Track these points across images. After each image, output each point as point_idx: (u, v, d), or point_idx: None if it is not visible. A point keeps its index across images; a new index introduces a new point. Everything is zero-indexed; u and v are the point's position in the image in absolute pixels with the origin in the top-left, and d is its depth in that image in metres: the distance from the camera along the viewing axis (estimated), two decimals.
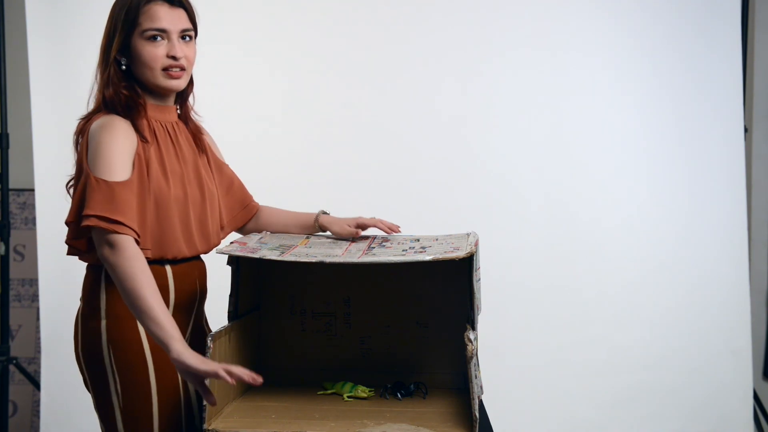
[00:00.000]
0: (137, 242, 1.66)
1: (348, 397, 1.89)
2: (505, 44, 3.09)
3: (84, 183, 1.69)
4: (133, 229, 1.66)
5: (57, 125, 3.04)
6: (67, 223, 1.74)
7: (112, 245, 1.63)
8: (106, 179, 1.66)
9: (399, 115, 3.09)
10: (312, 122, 3.09)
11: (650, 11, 3.08)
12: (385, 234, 1.99)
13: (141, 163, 1.73)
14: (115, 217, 1.64)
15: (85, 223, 1.65)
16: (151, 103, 1.82)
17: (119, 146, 1.70)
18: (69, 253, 1.81)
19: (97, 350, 1.75)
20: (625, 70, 3.10)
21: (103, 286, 1.76)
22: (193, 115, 1.93)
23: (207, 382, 1.55)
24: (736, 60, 3.09)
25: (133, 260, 1.62)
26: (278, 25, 3.09)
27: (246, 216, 2.05)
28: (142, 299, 1.60)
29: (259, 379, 1.53)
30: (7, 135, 3.17)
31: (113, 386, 1.74)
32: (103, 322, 1.74)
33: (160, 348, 1.72)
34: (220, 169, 1.98)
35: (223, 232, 1.97)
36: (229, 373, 1.51)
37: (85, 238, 1.73)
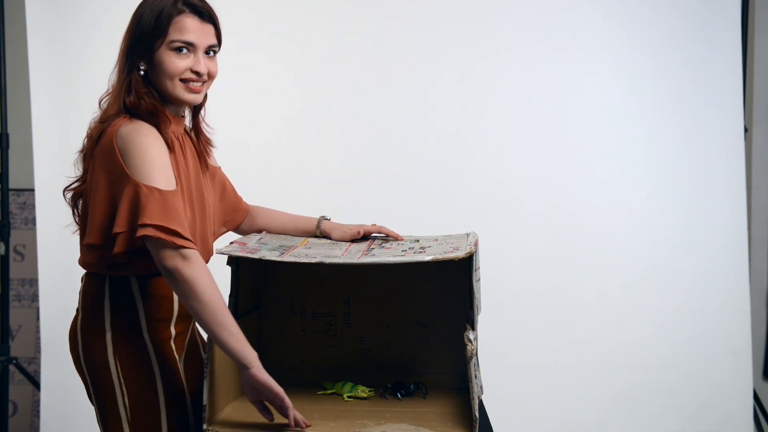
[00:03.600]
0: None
1: (348, 397, 1.89)
2: (504, 44, 3.09)
3: (134, 193, 1.63)
4: (192, 242, 1.64)
5: (57, 125, 3.05)
6: (114, 233, 1.64)
7: (186, 257, 1.61)
8: (159, 188, 1.63)
9: (398, 116, 3.09)
10: (311, 127, 3.09)
11: (650, 11, 3.08)
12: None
13: (176, 172, 1.71)
14: (179, 229, 1.61)
15: (150, 233, 1.59)
16: (167, 112, 1.79)
17: (162, 153, 1.68)
18: (92, 262, 1.75)
19: (102, 363, 1.72)
20: (625, 70, 3.10)
21: (107, 296, 1.73)
22: (203, 127, 1.91)
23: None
24: (736, 60, 3.08)
25: (209, 274, 1.63)
26: (284, 32, 3.08)
27: (238, 219, 2.04)
28: (222, 314, 1.62)
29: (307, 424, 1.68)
30: (7, 135, 3.17)
31: (121, 399, 1.72)
32: (108, 335, 1.72)
33: (166, 359, 1.75)
34: (214, 174, 1.97)
35: (215, 236, 1.96)
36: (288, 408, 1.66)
37: (135, 248, 1.66)
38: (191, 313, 1.64)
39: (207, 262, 1.85)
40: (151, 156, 1.65)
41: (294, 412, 1.65)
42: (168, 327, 1.77)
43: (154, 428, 1.73)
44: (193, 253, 1.62)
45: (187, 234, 1.63)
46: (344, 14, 3.10)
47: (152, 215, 1.60)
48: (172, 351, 1.77)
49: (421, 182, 3.08)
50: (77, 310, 1.80)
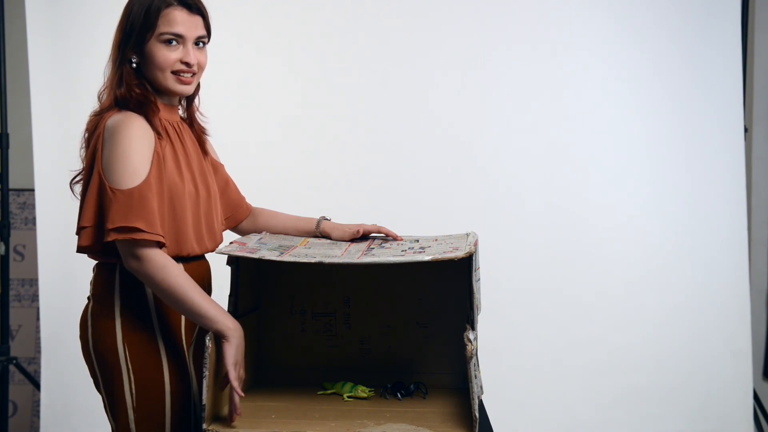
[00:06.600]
0: (163, 244, 1.68)
1: (348, 397, 1.89)
2: (504, 44, 3.09)
3: (98, 189, 1.69)
4: (156, 234, 1.66)
5: (57, 125, 3.05)
6: (82, 227, 1.71)
7: (138, 258, 1.66)
8: (120, 188, 1.66)
9: (398, 116, 3.09)
10: (312, 127, 3.09)
11: (650, 11, 3.08)
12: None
13: (159, 159, 1.73)
14: (137, 224, 1.64)
15: (110, 238, 1.65)
16: (159, 102, 1.82)
17: (140, 144, 1.70)
18: (86, 253, 1.78)
19: (111, 349, 1.74)
20: (626, 70, 3.10)
21: (117, 285, 1.75)
22: (198, 116, 1.94)
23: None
24: (736, 60, 3.09)
25: (163, 269, 1.66)
26: (284, 32, 3.09)
27: (240, 216, 2.05)
28: (183, 302, 1.67)
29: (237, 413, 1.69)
30: (7, 135, 3.17)
31: (127, 386, 1.74)
32: (118, 321, 1.74)
33: (175, 347, 1.77)
34: (217, 169, 1.99)
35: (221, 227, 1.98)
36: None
37: (105, 243, 1.71)
38: None
39: (214, 250, 1.86)
40: (123, 154, 1.68)
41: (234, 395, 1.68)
42: (177, 315, 1.78)
43: (158, 415, 1.74)
44: (146, 253, 1.66)
45: (149, 225, 1.65)
46: (344, 14, 3.10)
47: (113, 219, 1.65)
48: (181, 339, 1.79)
49: (420, 182, 3.08)
50: (88, 298, 1.82)
